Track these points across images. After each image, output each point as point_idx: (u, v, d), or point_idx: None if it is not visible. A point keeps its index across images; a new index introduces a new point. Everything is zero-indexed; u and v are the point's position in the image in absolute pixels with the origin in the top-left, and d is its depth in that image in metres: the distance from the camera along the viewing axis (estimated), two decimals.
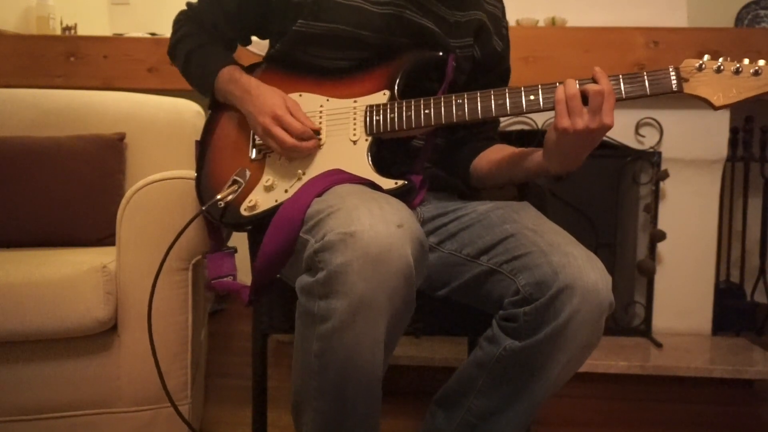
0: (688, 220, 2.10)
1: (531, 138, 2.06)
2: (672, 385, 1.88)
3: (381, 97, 1.10)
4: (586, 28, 2.01)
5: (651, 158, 2.08)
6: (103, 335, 1.28)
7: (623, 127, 2.06)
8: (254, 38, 1.29)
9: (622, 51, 1.95)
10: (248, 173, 1.11)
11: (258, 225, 1.09)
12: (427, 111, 1.05)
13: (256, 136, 1.14)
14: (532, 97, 1.00)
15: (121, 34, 2.38)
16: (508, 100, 1.02)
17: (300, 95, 1.14)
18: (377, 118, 1.08)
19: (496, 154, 1.19)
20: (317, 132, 1.09)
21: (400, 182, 1.03)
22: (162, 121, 1.78)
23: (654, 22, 2.05)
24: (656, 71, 0.98)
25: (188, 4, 1.26)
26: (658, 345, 2.01)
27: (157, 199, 1.27)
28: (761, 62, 0.95)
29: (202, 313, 1.51)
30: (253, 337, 1.19)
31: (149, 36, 2.28)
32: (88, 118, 1.75)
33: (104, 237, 1.58)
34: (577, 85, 0.95)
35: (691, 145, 2.07)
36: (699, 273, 2.12)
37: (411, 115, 1.06)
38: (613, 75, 0.98)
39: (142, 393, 1.30)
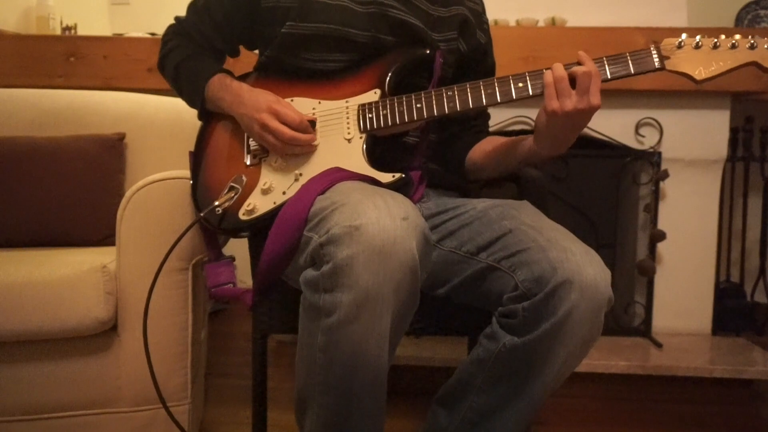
0: (688, 220, 2.10)
1: None
2: (672, 385, 1.87)
3: (372, 95, 1.11)
4: (586, 28, 2.01)
5: (651, 158, 2.08)
6: (103, 335, 1.28)
7: (623, 127, 2.06)
8: None
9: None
10: (245, 179, 1.11)
11: (257, 230, 1.09)
12: (419, 105, 1.07)
13: (251, 141, 1.14)
14: (520, 84, 1.03)
15: (121, 34, 2.38)
16: (497, 88, 1.04)
17: (292, 100, 1.15)
18: (370, 115, 1.09)
19: (488, 145, 1.21)
20: (313, 124, 1.09)
21: (397, 175, 1.04)
22: (162, 121, 1.78)
23: (654, 22, 2.05)
24: (638, 51, 1.02)
25: (176, 19, 1.27)
26: (658, 345, 2.01)
27: (157, 199, 1.27)
28: (737, 36, 0.99)
29: (202, 313, 1.51)
30: (253, 337, 1.19)
31: (149, 36, 2.28)
32: (88, 118, 1.75)
33: (104, 237, 1.58)
34: (564, 68, 0.99)
35: (691, 145, 2.07)
36: (699, 273, 2.12)
37: (403, 110, 1.07)
38: (597, 58, 1.02)
39: (141, 393, 1.30)
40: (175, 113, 1.79)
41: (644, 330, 2.12)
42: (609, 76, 1.02)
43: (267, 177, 1.10)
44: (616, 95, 1.99)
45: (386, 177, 1.04)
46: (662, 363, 1.87)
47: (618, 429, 1.71)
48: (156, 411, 1.31)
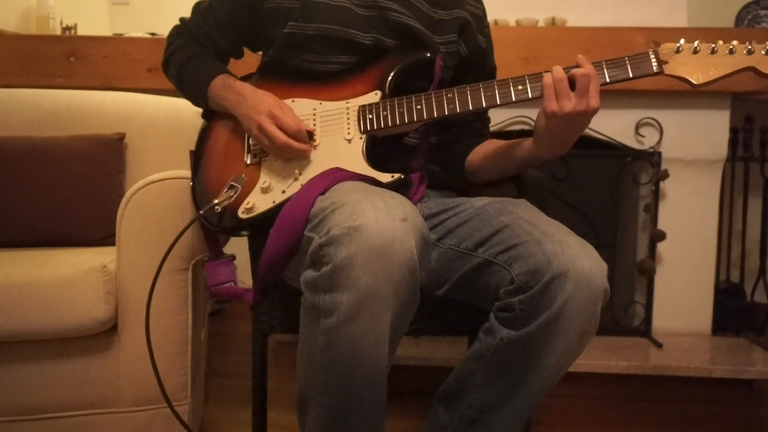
0: (688, 220, 2.10)
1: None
2: (672, 385, 1.88)
3: (373, 97, 1.12)
4: (586, 28, 2.01)
5: (651, 158, 2.08)
6: (103, 335, 1.28)
7: (623, 127, 2.06)
8: None
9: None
10: (244, 178, 1.11)
11: (256, 229, 1.09)
12: (419, 106, 1.07)
13: (251, 141, 1.14)
14: (519, 87, 1.04)
15: (121, 34, 2.38)
16: (497, 91, 1.05)
17: (293, 101, 1.15)
18: (370, 116, 1.09)
19: (488, 147, 1.22)
20: (311, 135, 1.10)
21: (396, 175, 1.04)
22: (162, 121, 1.78)
23: (654, 22, 2.05)
24: (637, 55, 1.03)
25: (181, 20, 1.28)
26: (658, 345, 2.01)
27: (157, 199, 1.27)
28: (735, 42, 1.00)
29: (202, 313, 1.51)
30: (253, 337, 1.19)
31: (149, 36, 2.28)
32: (88, 118, 1.75)
33: (104, 237, 1.58)
34: (563, 71, 0.99)
35: (691, 145, 2.07)
36: (699, 273, 2.12)
37: (403, 111, 1.08)
38: (596, 61, 1.03)
39: (141, 393, 1.30)
40: (175, 113, 1.79)
41: (644, 330, 2.12)
42: (608, 80, 1.02)
43: (267, 176, 1.11)
44: (616, 95, 1.99)
45: (386, 177, 1.04)
46: (662, 363, 1.87)
47: (618, 429, 1.71)
48: (156, 411, 1.31)
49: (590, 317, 0.92)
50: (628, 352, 1.95)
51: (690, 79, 1.01)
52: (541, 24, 2.13)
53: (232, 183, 1.11)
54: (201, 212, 1.11)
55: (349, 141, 1.09)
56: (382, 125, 1.08)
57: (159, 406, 1.31)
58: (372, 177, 1.02)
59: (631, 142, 2.07)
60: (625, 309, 2.18)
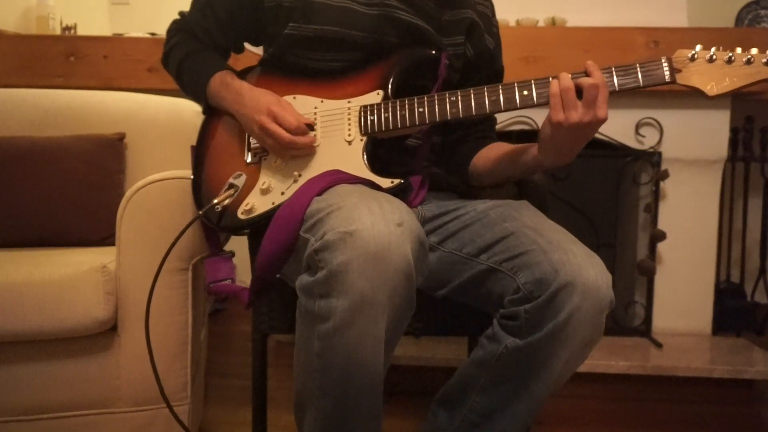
0: (688, 220, 2.10)
1: (531, 138, 2.04)
2: (672, 385, 1.87)
3: (375, 96, 1.10)
4: (586, 28, 2.01)
5: (651, 158, 2.08)
6: (103, 335, 1.28)
7: (623, 127, 2.06)
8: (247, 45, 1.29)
9: (622, 51, 1.95)
10: (244, 177, 1.11)
11: (256, 228, 1.09)
12: (421, 109, 1.06)
13: (251, 140, 1.14)
14: (525, 93, 1.01)
15: (121, 34, 2.38)
16: (501, 96, 1.02)
17: (294, 98, 1.14)
18: (371, 117, 1.08)
19: (493, 151, 1.20)
20: (311, 127, 1.09)
21: (396, 181, 1.03)
22: (162, 121, 1.78)
23: (654, 22, 2.05)
24: (649, 62, 0.98)
25: (181, 14, 1.27)
26: (658, 345, 2.01)
27: (157, 199, 1.27)
28: (754, 50, 0.95)
29: (202, 313, 1.51)
30: (253, 337, 1.19)
31: (149, 36, 2.28)
32: (88, 118, 1.75)
33: (104, 237, 1.58)
34: (571, 79, 0.96)
35: (691, 145, 2.07)
36: (699, 273, 2.12)
37: (405, 113, 1.06)
38: (605, 68, 0.99)
39: (141, 393, 1.30)
40: (175, 113, 1.79)
41: (644, 330, 2.12)
42: (617, 88, 0.99)
43: (266, 177, 1.10)
44: (616, 95, 1.97)
45: (385, 182, 1.03)
46: (662, 363, 1.87)
47: (618, 429, 1.71)
48: (156, 411, 1.31)
49: (595, 327, 0.92)
50: (628, 352, 1.94)
51: (704, 91, 0.96)
52: (541, 24, 2.13)
53: (231, 182, 1.11)
54: (200, 212, 1.11)
55: (350, 143, 1.08)
56: (383, 127, 1.07)
57: (159, 406, 1.31)
58: (371, 181, 1.02)
59: (631, 142, 2.07)
60: (625, 309, 2.18)
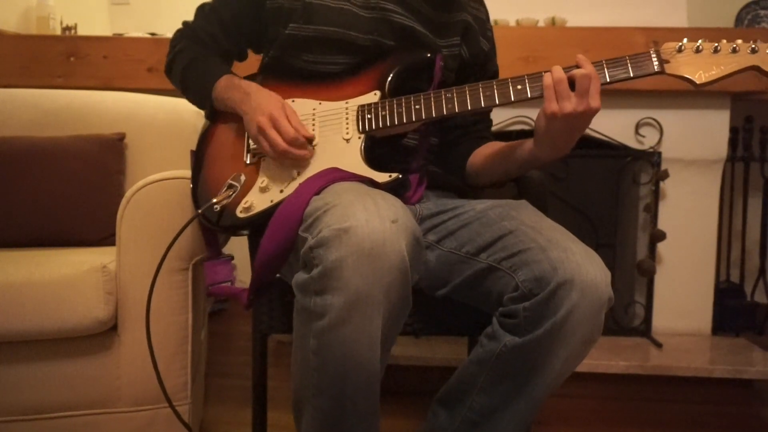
0: (688, 220, 2.10)
1: (530, 137, 2.05)
2: (672, 385, 1.88)
3: (372, 97, 1.12)
4: (586, 28, 2.01)
5: (651, 158, 2.08)
6: (103, 335, 1.28)
7: (623, 127, 2.06)
8: None
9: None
10: (243, 177, 1.11)
11: (256, 228, 1.09)
12: (417, 106, 1.07)
13: (251, 141, 1.14)
14: (519, 87, 1.03)
15: (121, 34, 2.38)
16: (496, 91, 1.04)
17: (293, 101, 1.15)
18: (369, 116, 1.09)
19: (488, 149, 1.21)
20: (311, 141, 1.10)
21: (394, 175, 1.04)
22: (162, 121, 1.78)
23: (654, 22, 2.05)
24: (638, 54, 1.02)
25: (184, 23, 1.28)
26: (658, 345, 2.01)
27: (157, 199, 1.27)
28: (739, 41, 0.98)
29: (202, 313, 1.51)
30: (253, 337, 1.19)
31: (149, 36, 2.28)
32: (88, 118, 1.75)
33: (104, 237, 1.58)
34: (563, 71, 0.99)
35: (691, 145, 2.07)
36: (699, 273, 2.12)
37: (402, 111, 1.08)
38: (596, 61, 1.02)
39: (141, 393, 1.30)
40: (175, 113, 1.79)
41: (644, 330, 2.12)
42: (608, 80, 1.02)
43: (265, 175, 1.11)
44: (616, 95, 1.99)
45: (383, 177, 1.03)
46: (662, 363, 1.87)
47: (618, 429, 1.71)
48: (156, 411, 1.31)
49: (594, 325, 0.92)
50: (628, 352, 1.95)
51: (692, 79, 0.99)
52: (541, 24, 2.13)
53: (230, 182, 1.11)
54: (200, 211, 1.11)
55: (348, 141, 1.09)
56: (381, 125, 1.08)
57: (159, 406, 1.31)
58: (369, 177, 1.02)
59: (631, 142, 2.07)
60: (625, 309, 2.18)
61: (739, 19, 2.44)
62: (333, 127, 1.11)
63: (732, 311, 2.25)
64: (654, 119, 2.05)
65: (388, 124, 1.08)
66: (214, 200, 1.09)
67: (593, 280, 0.90)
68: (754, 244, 2.40)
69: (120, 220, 1.28)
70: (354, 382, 0.86)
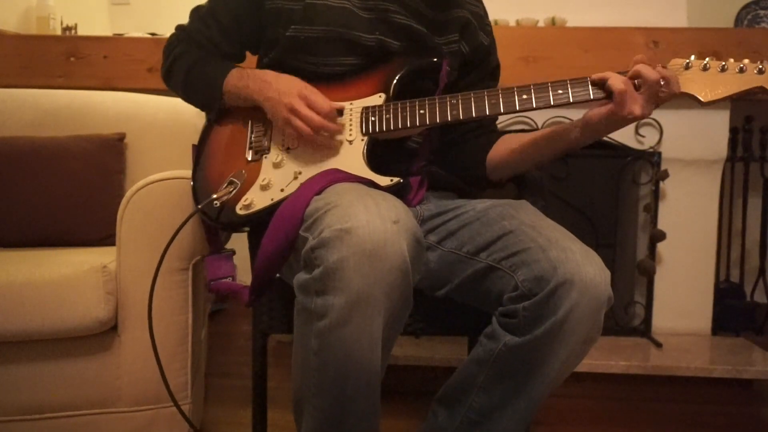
0: (688, 220, 2.10)
1: None
2: (672, 385, 1.88)
3: (377, 99, 1.12)
4: (586, 28, 2.01)
5: (651, 158, 2.08)
6: (103, 335, 1.28)
7: (623, 128, 2.06)
8: None
9: (622, 51, 1.95)
10: (244, 174, 1.11)
11: (257, 226, 1.09)
12: (422, 111, 1.07)
13: (253, 137, 1.14)
14: (524, 96, 1.03)
15: (121, 34, 2.38)
16: (501, 99, 1.04)
17: None
18: (373, 118, 1.09)
19: (514, 142, 1.19)
20: (340, 113, 1.09)
21: (395, 179, 1.03)
22: (162, 121, 1.78)
23: (654, 22, 2.05)
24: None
25: (179, 27, 1.25)
26: (658, 345, 2.01)
27: (157, 199, 1.27)
28: (746, 60, 0.98)
29: (202, 313, 1.51)
30: (253, 337, 1.19)
31: (149, 36, 2.28)
32: (88, 118, 1.75)
33: (104, 237, 1.58)
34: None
35: (691, 145, 2.07)
36: (699, 273, 2.12)
37: (406, 115, 1.07)
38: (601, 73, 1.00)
39: (142, 393, 1.30)
40: (175, 113, 1.79)
41: (644, 330, 2.12)
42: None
43: (266, 173, 1.11)
44: None
45: (384, 180, 1.03)
46: (662, 363, 1.87)
47: (618, 429, 1.71)
48: (156, 411, 1.31)
49: (594, 324, 0.93)
50: (628, 352, 1.95)
51: (698, 97, 0.99)
52: (541, 24, 2.13)
53: (231, 179, 1.11)
54: (199, 206, 1.11)
55: (351, 142, 1.09)
56: (384, 128, 1.08)
57: (159, 406, 1.31)
58: (370, 180, 1.02)
59: (631, 142, 2.07)
60: (625, 309, 2.18)
61: (739, 19, 2.44)
62: None
63: (732, 311, 2.26)
64: (654, 119, 2.05)
65: (392, 127, 1.08)
66: (215, 196, 1.09)
67: (593, 279, 0.90)
68: (753, 244, 2.40)
69: (120, 220, 1.28)
70: (355, 383, 0.86)
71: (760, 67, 0.97)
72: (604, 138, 2.02)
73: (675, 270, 2.12)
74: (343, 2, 1.14)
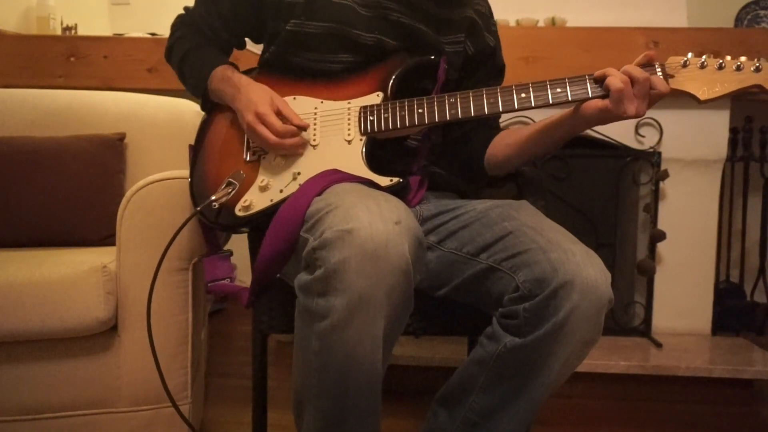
0: (688, 220, 2.10)
1: None
2: (672, 385, 1.88)
3: (375, 98, 1.11)
4: (586, 28, 2.01)
5: (651, 158, 2.08)
6: (103, 335, 1.28)
7: (623, 127, 2.06)
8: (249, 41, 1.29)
9: (622, 51, 1.95)
10: (243, 175, 1.11)
11: (256, 227, 1.09)
12: (420, 110, 1.07)
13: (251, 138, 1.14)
14: (523, 95, 1.03)
15: (121, 34, 2.38)
16: (500, 97, 1.04)
17: (294, 98, 1.15)
18: (371, 118, 1.09)
19: (511, 137, 1.19)
20: (305, 129, 1.09)
21: (395, 179, 1.03)
22: (162, 121, 1.78)
23: (654, 22, 2.05)
24: (643, 67, 1.01)
25: (185, 9, 1.27)
26: (658, 345, 2.01)
27: (157, 199, 1.27)
28: (743, 58, 0.99)
29: (202, 313, 1.51)
30: (253, 337, 1.19)
31: (149, 36, 2.28)
32: (88, 118, 1.75)
33: (104, 237, 1.58)
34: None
35: (691, 145, 2.07)
36: (699, 273, 2.12)
37: (405, 114, 1.07)
38: (600, 70, 1.00)
39: (142, 393, 1.30)
40: (175, 113, 1.79)
41: (644, 330, 2.12)
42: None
43: (265, 174, 1.10)
44: None
45: (384, 181, 1.03)
46: (662, 363, 1.87)
47: (618, 429, 1.71)
48: (156, 411, 1.31)
49: (594, 326, 0.92)
50: (628, 352, 1.95)
51: (696, 95, 0.99)
52: (541, 24, 2.13)
53: (230, 179, 1.11)
54: (198, 209, 1.11)
55: (349, 142, 1.08)
56: (383, 127, 1.08)
57: (159, 406, 1.31)
58: (370, 180, 1.02)
59: (631, 142, 2.07)
60: (625, 309, 2.18)
61: (738, 19, 2.44)
62: (334, 127, 1.10)
63: (732, 311, 2.25)
64: (654, 119, 2.05)
65: (390, 126, 1.07)
66: (213, 197, 1.09)
67: (593, 281, 0.90)
68: (753, 244, 2.40)
69: (120, 220, 1.28)
70: (355, 383, 0.86)
71: (758, 65, 0.97)
72: (604, 138, 2.05)
73: (675, 270, 2.12)
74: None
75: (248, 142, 1.15)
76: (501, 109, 1.04)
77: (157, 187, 1.28)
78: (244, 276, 1.18)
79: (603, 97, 1.00)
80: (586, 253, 0.94)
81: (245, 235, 1.19)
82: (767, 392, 1.92)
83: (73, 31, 2.42)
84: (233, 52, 1.30)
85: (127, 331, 1.29)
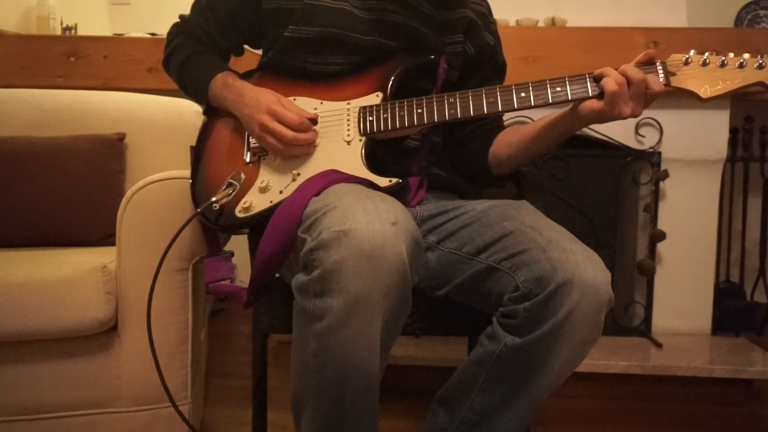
0: (688, 220, 2.10)
1: None
2: (672, 385, 1.88)
3: (374, 98, 1.11)
4: (586, 28, 2.01)
5: (651, 158, 2.08)
6: (103, 335, 1.28)
7: (623, 127, 2.06)
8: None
9: (622, 51, 1.95)
10: (243, 176, 1.11)
11: (256, 227, 1.09)
12: (419, 110, 1.07)
13: (251, 139, 1.14)
14: (523, 95, 1.03)
15: (121, 34, 2.38)
16: (499, 97, 1.04)
17: (294, 99, 1.15)
18: (371, 118, 1.09)
19: (512, 136, 1.20)
20: (314, 121, 1.09)
21: (394, 180, 1.03)
22: (162, 121, 1.78)
23: (654, 22, 2.05)
24: (644, 66, 1.00)
25: (181, 17, 1.28)
26: (658, 345, 2.01)
27: (158, 199, 1.28)
28: (746, 55, 0.98)
29: (202, 313, 1.51)
30: (253, 337, 1.19)
31: (149, 36, 2.28)
32: (88, 118, 1.75)
33: (104, 237, 1.58)
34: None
35: (691, 145, 2.07)
36: (699, 273, 2.12)
37: (404, 114, 1.07)
38: (601, 69, 1.00)
39: (142, 393, 1.30)
40: (175, 113, 1.79)
41: (644, 330, 2.12)
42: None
43: (265, 175, 1.10)
44: None
45: (383, 181, 1.03)
46: (662, 363, 1.87)
47: (618, 429, 1.71)
48: (156, 411, 1.31)
49: (594, 325, 0.92)
50: (628, 352, 1.95)
51: (698, 93, 0.98)
52: (541, 24, 2.13)
53: (230, 181, 1.11)
54: (199, 210, 1.11)
55: (349, 143, 1.08)
56: (382, 128, 1.08)
57: (159, 406, 1.31)
58: (369, 180, 1.02)
59: (631, 142, 2.07)
60: (625, 309, 2.18)
61: (739, 19, 2.44)
62: (334, 127, 1.11)
63: (732, 311, 2.26)
64: (654, 119, 2.05)
65: (390, 127, 1.07)
66: (214, 198, 1.09)
67: (593, 280, 0.90)
68: (753, 244, 2.40)
69: (120, 220, 1.28)
70: (353, 384, 0.86)
71: (760, 62, 0.96)
72: (604, 138, 2.05)
73: (675, 270, 2.12)
74: (341, 3, 1.14)
75: (248, 144, 1.15)
76: (500, 109, 1.04)
77: (157, 187, 1.28)
78: (244, 276, 1.18)
79: (600, 96, 1.00)
80: (585, 252, 0.94)
81: (245, 236, 1.19)
82: (767, 392, 1.92)
83: (73, 31, 2.42)
84: (231, 58, 1.30)
85: (127, 331, 1.29)
